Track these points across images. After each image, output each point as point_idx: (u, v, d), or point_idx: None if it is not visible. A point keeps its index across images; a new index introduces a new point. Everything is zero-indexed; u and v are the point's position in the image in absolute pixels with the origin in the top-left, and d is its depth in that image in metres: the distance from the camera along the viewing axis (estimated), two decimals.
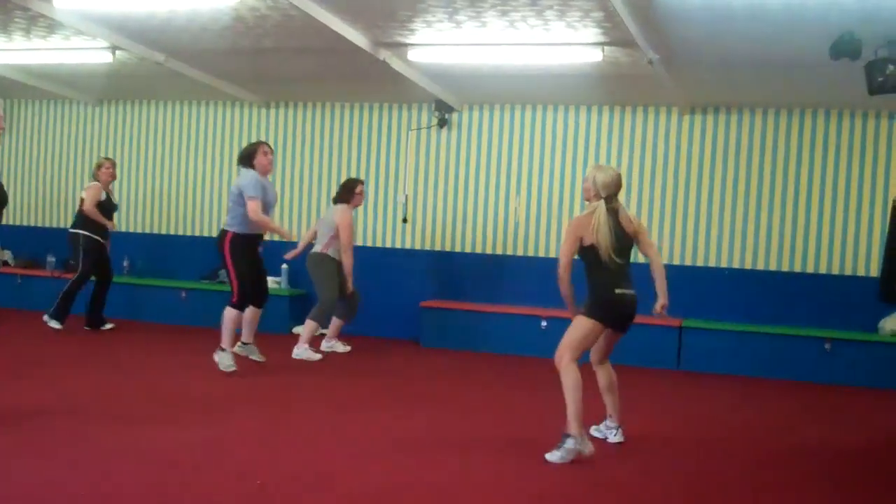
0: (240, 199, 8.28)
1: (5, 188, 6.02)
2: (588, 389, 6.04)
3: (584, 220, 6.12)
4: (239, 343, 8.66)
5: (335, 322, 10.04)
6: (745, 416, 7.84)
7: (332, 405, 7.28)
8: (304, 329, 9.67)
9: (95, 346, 9.65)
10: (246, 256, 8.34)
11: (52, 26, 9.25)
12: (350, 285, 9.67)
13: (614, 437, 6.40)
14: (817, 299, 10.18)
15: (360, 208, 11.11)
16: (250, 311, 8.58)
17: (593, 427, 6.52)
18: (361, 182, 10.03)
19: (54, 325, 10.18)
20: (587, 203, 6.30)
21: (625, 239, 6.15)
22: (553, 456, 5.83)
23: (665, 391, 8.80)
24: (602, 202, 6.11)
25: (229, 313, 8.33)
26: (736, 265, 10.44)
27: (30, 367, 8.10)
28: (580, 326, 6.06)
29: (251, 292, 8.43)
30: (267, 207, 8.40)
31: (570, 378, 5.94)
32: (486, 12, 7.81)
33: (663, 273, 6.37)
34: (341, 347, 10.02)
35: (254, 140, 11.44)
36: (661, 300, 6.35)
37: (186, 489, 4.79)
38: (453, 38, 8.63)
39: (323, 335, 10.12)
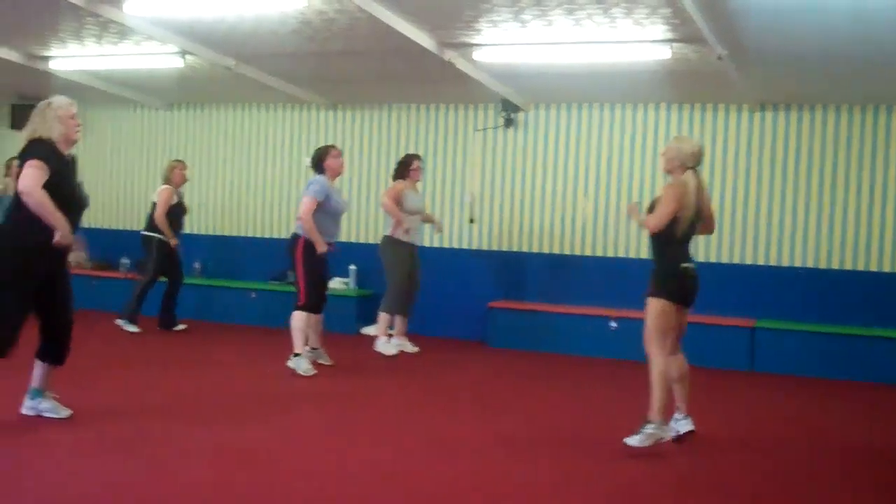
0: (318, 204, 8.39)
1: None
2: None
3: (682, 187, 6.04)
4: (308, 348, 8.71)
5: (399, 320, 10.04)
6: (821, 417, 7.70)
7: (400, 405, 7.30)
8: (379, 323, 9.74)
9: (168, 346, 9.78)
10: (317, 260, 8.40)
11: (123, 32, 9.40)
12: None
13: (684, 427, 6.25)
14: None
15: (427, 209, 11.12)
16: (312, 318, 8.64)
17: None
18: (418, 157, 10.04)
19: (131, 328, 10.37)
20: (669, 174, 6.23)
21: (701, 213, 6.13)
22: (633, 440, 5.87)
23: (738, 392, 8.67)
24: (692, 175, 6.03)
25: (298, 317, 8.39)
26: (810, 264, 10.24)
27: (106, 367, 8.23)
28: (653, 310, 6.04)
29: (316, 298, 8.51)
30: (333, 215, 8.44)
31: (658, 366, 5.98)
32: (552, 11, 7.77)
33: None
34: (410, 347, 10.02)
35: (321, 142, 11.55)
36: None
37: (257, 486, 4.83)
38: (519, 37, 8.60)
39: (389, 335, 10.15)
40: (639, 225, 6.38)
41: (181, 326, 10.78)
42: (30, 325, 5.92)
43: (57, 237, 5.68)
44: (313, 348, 8.74)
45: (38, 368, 6.10)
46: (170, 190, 10.62)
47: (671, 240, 6.05)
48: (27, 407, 6.13)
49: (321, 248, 8.29)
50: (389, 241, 9.79)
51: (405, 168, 9.92)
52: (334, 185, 8.61)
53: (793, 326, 9.82)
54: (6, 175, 11.20)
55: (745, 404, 8.12)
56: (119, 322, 10.41)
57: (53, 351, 6.06)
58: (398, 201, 9.72)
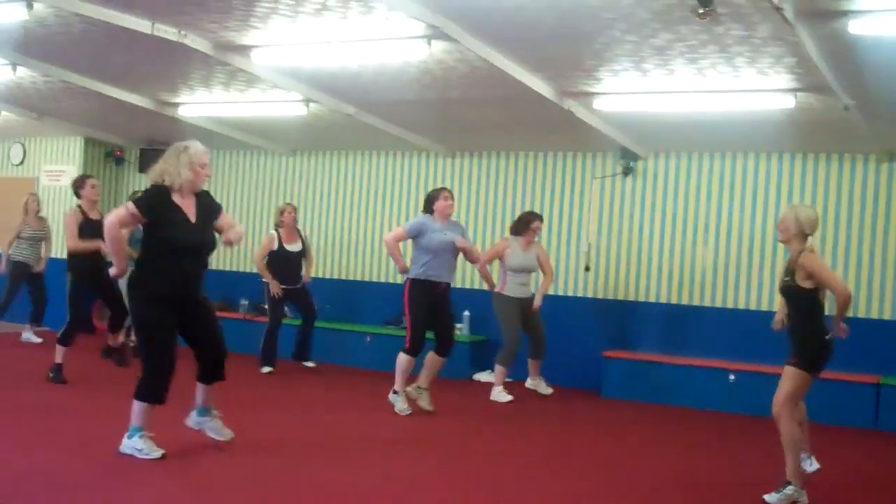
0: (414, 241, 8.55)
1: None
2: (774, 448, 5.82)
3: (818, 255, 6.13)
4: (415, 385, 8.71)
5: (531, 364, 10.16)
6: None
7: (511, 454, 7.24)
8: (496, 374, 9.88)
9: (282, 387, 9.91)
10: (425, 303, 8.46)
11: (250, 80, 9.69)
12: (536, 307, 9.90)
13: (810, 466, 6.33)
14: None
15: (544, 255, 11.10)
16: (431, 357, 8.66)
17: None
18: (539, 218, 10.10)
19: (264, 369, 10.64)
20: (786, 245, 6.22)
21: None
22: (772, 497, 5.88)
23: (862, 451, 8.36)
24: (811, 243, 6.04)
25: (401, 358, 8.50)
26: None
27: (220, 406, 8.37)
28: (796, 379, 6.04)
29: (435, 342, 8.54)
30: (429, 251, 8.45)
31: (788, 432, 5.95)
32: (674, 60, 7.73)
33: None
34: (544, 388, 10.05)
35: None
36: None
37: None
38: (640, 86, 8.57)
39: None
40: (828, 282, 6.23)
41: (310, 363, 10.98)
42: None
43: (113, 270, 6.17)
44: (419, 387, 8.70)
45: (200, 389, 6.40)
46: (271, 235, 10.84)
47: (816, 311, 6.05)
48: (193, 420, 6.45)
49: (403, 267, 8.67)
50: (497, 296, 9.95)
51: (524, 225, 9.99)
52: (445, 223, 8.62)
53: None
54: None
55: (869, 464, 7.83)
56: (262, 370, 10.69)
57: (211, 371, 6.32)
58: (498, 256, 9.96)
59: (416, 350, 8.48)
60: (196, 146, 6.16)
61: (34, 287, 12.02)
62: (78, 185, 9.33)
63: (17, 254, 11.98)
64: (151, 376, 6.02)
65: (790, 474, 5.90)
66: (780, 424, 5.97)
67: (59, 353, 8.98)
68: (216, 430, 6.40)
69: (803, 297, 6.03)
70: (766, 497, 5.88)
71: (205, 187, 6.28)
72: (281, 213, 10.98)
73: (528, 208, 11.49)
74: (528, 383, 10.15)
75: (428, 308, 8.49)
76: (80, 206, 9.26)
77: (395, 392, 8.51)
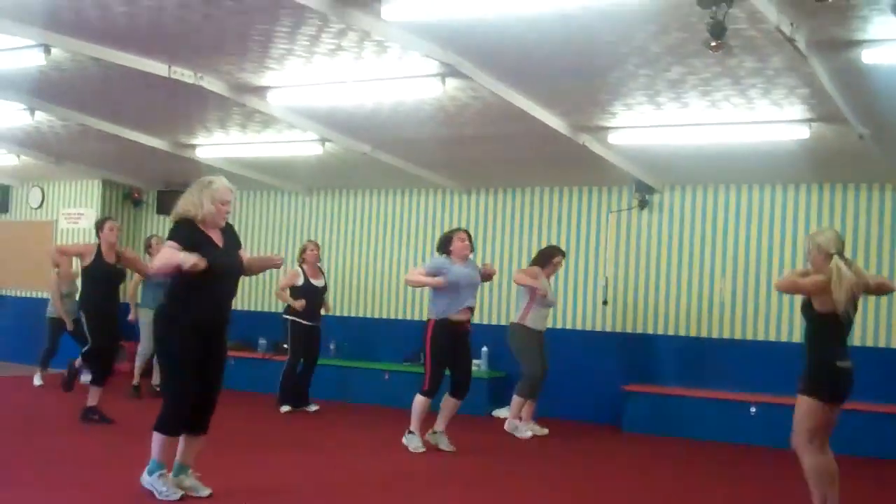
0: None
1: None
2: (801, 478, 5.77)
3: (825, 284, 5.82)
4: (430, 431, 8.68)
5: (527, 405, 9.97)
6: None
7: (534, 492, 7.20)
8: (512, 405, 9.78)
9: (299, 427, 9.90)
10: (448, 345, 8.45)
11: (266, 121, 9.77)
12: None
13: None
14: None
15: (561, 290, 11.12)
16: (447, 400, 8.64)
17: None
18: (562, 253, 10.13)
19: (283, 409, 10.63)
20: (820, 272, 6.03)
21: (856, 302, 5.94)
22: None
23: (889, 483, 8.28)
24: (838, 262, 5.83)
25: (420, 400, 8.46)
26: None
27: (234, 446, 8.36)
28: (802, 405, 5.86)
29: (451, 383, 8.54)
30: (454, 288, 8.44)
31: (808, 462, 5.82)
32: (688, 93, 7.76)
33: None
34: (539, 430, 9.93)
35: (455, 226, 11.69)
36: None
37: None
38: (654, 119, 8.60)
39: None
40: (794, 287, 6.17)
41: (313, 408, 10.92)
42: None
43: (189, 263, 5.85)
44: (435, 431, 8.67)
45: (181, 442, 6.23)
46: (294, 272, 10.87)
47: (827, 335, 5.88)
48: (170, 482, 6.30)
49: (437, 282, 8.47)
50: (519, 328, 9.89)
51: (546, 259, 10.01)
52: (463, 263, 8.59)
53: None
54: (148, 254, 11.69)
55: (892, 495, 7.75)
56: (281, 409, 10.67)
57: (197, 419, 6.17)
58: (531, 282, 9.82)
59: (434, 391, 8.48)
60: (220, 182, 6.19)
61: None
62: (98, 227, 9.38)
63: (52, 310, 11.99)
64: (174, 407, 6.00)
65: None
66: (800, 458, 5.86)
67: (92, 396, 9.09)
68: (193, 488, 6.20)
69: (813, 319, 5.94)
70: None
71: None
72: (303, 250, 10.99)
73: (544, 244, 11.49)
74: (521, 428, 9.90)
75: (449, 349, 8.49)
76: (98, 245, 9.29)
77: (410, 432, 8.47)
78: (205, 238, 6.09)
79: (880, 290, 6.32)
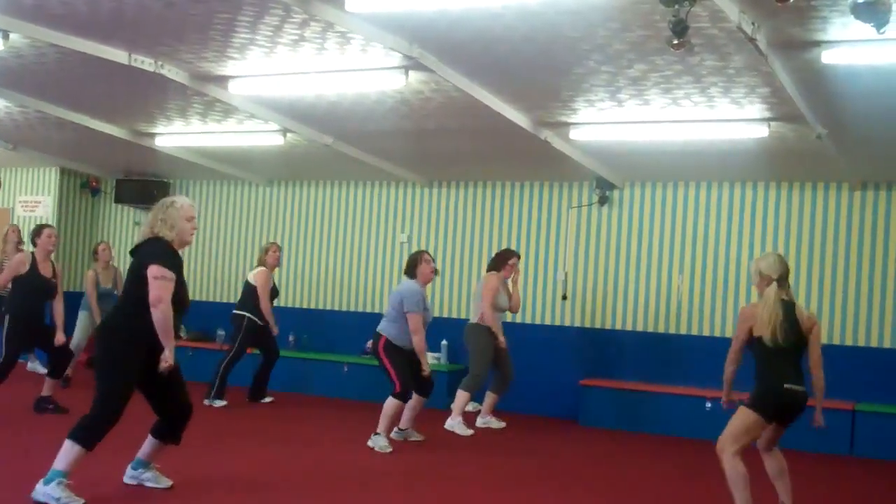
0: (400, 307, 8.46)
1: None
2: (757, 478, 5.83)
3: (752, 310, 6.07)
4: (396, 429, 8.73)
5: (489, 397, 10.05)
6: None
7: (489, 483, 7.23)
8: (456, 400, 9.75)
9: (258, 419, 9.86)
10: (403, 355, 8.47)
11: (227, 111, 9.70)
12: (501, 343, 9.70)
13: None
14: None
15: (520, 286, 11.14)
16: (415, 399, 8.65)
17: None
18: (517, 255, 10.15)
19: (218, 403, 10.41)
20: (760, 294, 6.19)
21: (798, 330, 5.99)
22: None
23: (838, 479, 8.40)
24: (773, 287, 5.96)
25: (391, 403, 8.41)
26: None
27: (196, 440, 8.32)
28: (742, 418, 5.98)
29: (417, 380, 8.54)
30: (426, 323, 8.53)
31: (732, 471, 5.91)
32: (649, 90, 7.80)
33: (822, 388, 6.14)
34: (496, 423, 9.97)
35: (416, 219, 11.73)
36: (818, 418, 6.18)
37: None
38: (615, 116, 8.64)
39: (478, 411, 10.12)
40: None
41: (268, 399, 10.87)
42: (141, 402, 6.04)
43: (164, 359, 5.82)
44: (401, 429, 8.72)
45: (150, 444, 6.22)
46: (266, 274, 10.77)
47: (767, 358, 5.97)
48: (129, 476, 6.24)
49: (427, 369, 8.48)
50: (476, 328, 9.87)
51: (502, 262, 10.01)
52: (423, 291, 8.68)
53: (894, 410, 9.51)
54: (94, 260, 11.51)
55: (847, 493, 7.85)
56: (206, 402, 10.40)
57: (172, 431, 6.18)
58: (495, 294, 9.84)
59: (407, 394, 8.45)
60: (182, 200, 6.14)
61: None
62: (35, 234, 9.19)
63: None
64: (101, 421, 5.79)
65: None
66: (722, 462, 5.95)
67: None
68: (153, 479, 6.23)
69: (749, 344, 6.08)
70: None
71: None
72: (266, 252, 10.93)
73: (505, 238, 11.56)
74: (479, 422, 9.95)
75: (408, 354, 8.52)
76: (32, 254, 9.12)
77: (377, 434, 8.42)
78: (180, 265, 6.02)
79: (810, 353, 6.14)
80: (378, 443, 8.36)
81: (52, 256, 9.30)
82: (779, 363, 5.95)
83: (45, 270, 9.06)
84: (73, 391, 10.63)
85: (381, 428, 8.41)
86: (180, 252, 6.09)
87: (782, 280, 6.04)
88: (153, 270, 5.81)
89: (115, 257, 12.29)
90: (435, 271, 8.80)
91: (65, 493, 5.67)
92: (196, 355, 12.22)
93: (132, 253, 6.10)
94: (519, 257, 10.20)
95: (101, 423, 5.78)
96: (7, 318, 9.08)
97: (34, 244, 9.17)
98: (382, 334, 8.52)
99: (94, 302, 11.06)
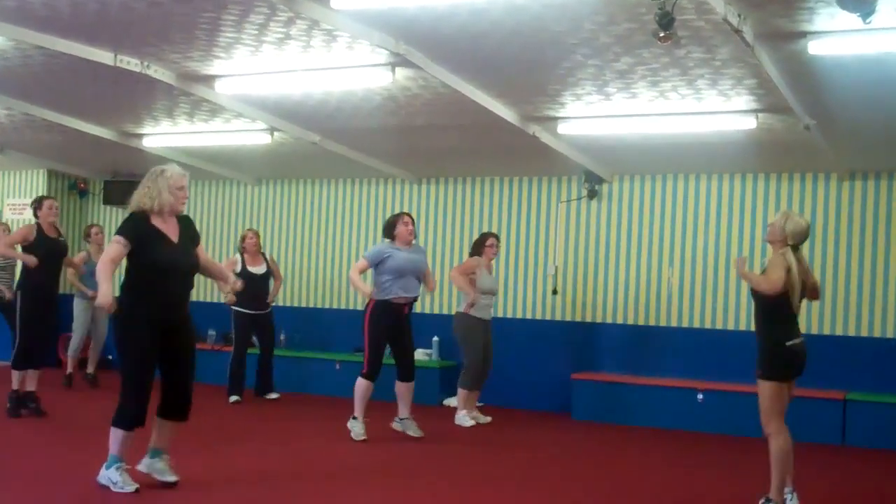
0: (376, 268, 8.56)
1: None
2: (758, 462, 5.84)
3: (785, 259, 6.10)
4: (396, 419, 8.75)
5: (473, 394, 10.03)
6: None
7: (484, 478, 7.23)
8: (458, 398, 9.79)
9: (253, 418, 9.84)
10: (386, 326, 8.49)
11: (214, 110, 9.68)
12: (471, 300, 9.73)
13: (790, 501, 6.23)
14: None
15: (511, 280, 11.18)
16: (399, 386, 8.68)
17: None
18: (493, 235, 10.16)
19: (232, 399, 10.56)
20: (768, 245, 6.34)
21: (804, 289, 6.21)
22: None
23: (830, 468, 8.42)
24: (789, 250, 6.10)
25: (361, 384, 8.50)
26: None
27: (192, 438, 8.30)
28: (765, 393, 6.10)
29: (397, 364, 8.63)
30: (397, 273, 8.50)
31: (776, 445, 6.04)
32: (636, 83, 7.80)
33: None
34: (482, 418, 9.95)
35: None
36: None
37: None
38: (603, 110, 8.64)
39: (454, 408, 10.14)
40: (748, 282, 6.32)
41: (274, 395, 10.94)
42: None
43: (99, 297, 5.99)
44: (401, 418, 8.74)
45: (159, 427, 6.27)
46: (235, 256, 10.94)
47: (780, 316, 6.10)
48: (144, 464, 6.29)
49: (365, 293, 8.64)
50: (463, 317, 9.86)
51: (480, 245, 10.01)
52: (408, 248, 8.66)
53: (886, 399, 9.54)
54: (87, 242, 11.65)
55: (837, 480, 7.87)
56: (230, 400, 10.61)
57: (175, 407, 6.22)
58: (470, 272, 9.83)
59: (374, 374, 8.50)
60: (173, 168, 6.25)
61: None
62: (36, 205, 9.15)
63: None
64: (133, 401, 5.99)
65: (773, 490, 5.98)
66: (770, 440, 6.08)
67: (15, 379, 8.87)
68: (160, 471, 6.25)
69: (761, 301, 6.18)
70: None
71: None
72: (242, 239, 11.10)
73: (495, 233, 11.52)
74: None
75: (388, 331, 8.53)
76: (38, 224, 9.09)
77: (353, 418, 8.49)
78: (154, 232, 6.08)
79: (812, 293, 6.42)
80: (354, 428, 8.43)
81: (56, 225, 9.23)
82: (785, 323, 6.13)
83: (51, 233, 9.06)
84: (72, 391, 10.63)
85: (356, 411, 8.46)
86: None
87: (797, 247, 6.19)
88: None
89: None
90: (413, 234, 8.79)
91: (122, 477, 5.99)
92: None
93: None
94: (497, 237, 10.18)
95: (129, 405, 5.99)
96: (18, 295, 9.03)
97: (36, 216, 9.12)
98: (371, 298, 8.60)
99: (76, 280, 11.17)
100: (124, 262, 6.11)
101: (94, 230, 11.55)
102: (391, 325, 8.53)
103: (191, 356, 6.28)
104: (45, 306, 9.00)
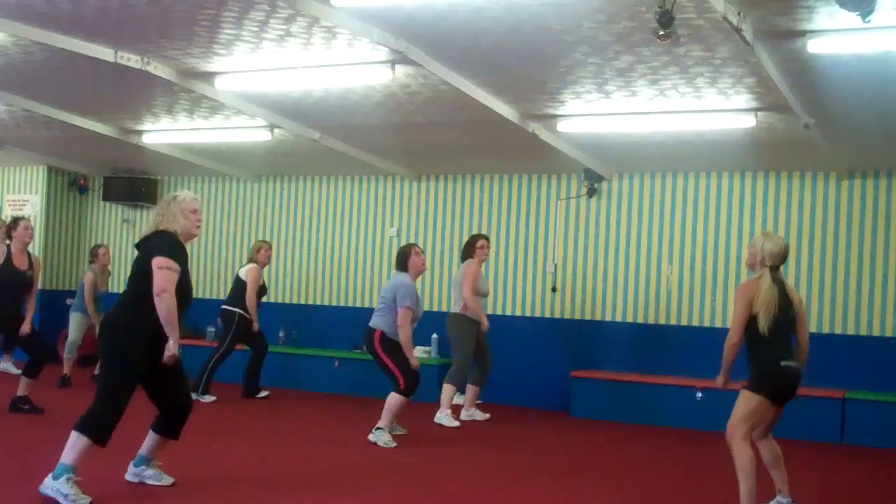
0: (392, 301, 8.43)
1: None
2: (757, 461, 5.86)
3: (753, 286, 6.04)
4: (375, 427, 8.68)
5: (471, 389, 10.05)
6: None
7: (484, 477, 7.24)
8: (443, 394, 9.75)
9: (250, 415, 9.86)
10: (397, 348, 8.44)
11: (214, 107, 9.68)
12: (485, 327, 9.71)
13: None
14: None
15: (510, 277, 11.20)
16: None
17: None
18: (484, 237, 10.16)
19: (207, 399, 10.38)
20: (751, 270, 6.24)
21: (789, 311, 6.04)
22: None
23: (829, 466, 8.43)
24: (767, 271, 6.00)
25: (395, 399, 8.34)
26: None
27: (192, 436, 8.30)
28: (746, 402, 5.96)
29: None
30: (416, 317, 8.51)
31: (741, 457, 5.90)
32: (636, 82, 7.81)
33: (803, 361, 6.19)
34: (480, 415, 9.97)
35: (404, 212, 11.72)
36: None
37: None
38: (603, 108, 8.65)
39: (460, 405, 10.11)
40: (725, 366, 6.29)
41: (264, 393, 10.87)
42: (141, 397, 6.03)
43: (168, 349, 5.84)
44: (378, 428, 8.65)
45: (151, 440, 6.21)
46: (257, 269, 10.76)
47: (759, 337, 5.97)
48: (131, 473, 6.23)
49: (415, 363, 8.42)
50: (458, 318, 9.85)
51: (472, 248, 10.00)
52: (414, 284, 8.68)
53: (884, 397, 9.55)
54: (92, 262, 11.36)
55: (836, 479, 7.89)
56: (194, 396, 10.39)
57: (172, 426, 6.17)
58: (474, 286, 9.79)
59: (411, 390, 8.38)
60: (184, 193, 6.15)
61: None
62: (11, 227, 8.98)
63: None
64: (108, 413, 5.77)
65: (743, 501, 5.84)
66: (731, 448, 5.95)
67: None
68: (156, 476, 6.20)
69: (747, 321, 6.07)
70: None
71: None
72: (258, 250, 10.94)
73: (494, 231, 11.56)
74: (464, 415, 9.91)
75: (400, 349, 8.50)
76: (8, 247, 8.91)
77: (379, 428, 8.35)
78: (185, 255, 6.06)
79: (797, 332, 6.26)
80: (381, 438, 8.31)
81: (30, 248, 9.12)
82: (774, 342, 5.98)
83: (20, 263, 8.86)
84: (68, 391, 10.64)
85: (383, 423, 8.37)
86: (187, 245, 6.12)
87: (776, 268, 6.07)
88: (158, 261, 5.82)
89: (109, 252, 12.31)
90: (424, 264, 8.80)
91: (73, 489, 5.58)
92: (185, 352, 12.15)
93: (137, 246, 6.10)
94: (487, 239, 10.19)
95: (106, 416, 5.77)
96: None
97: (9, 237, 8.94)
98: (375, 329, 8.49)
99: (91, 307, 10.96)
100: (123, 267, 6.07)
101: (101, 251, 11.33)
102: (398, 345, 8.50)
103: (184, 375, 6.24)
104: (4, 328, 8.99)
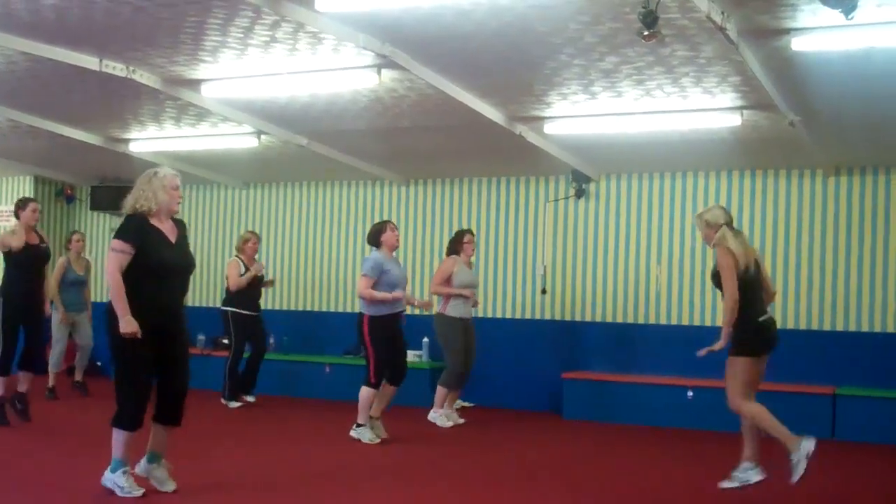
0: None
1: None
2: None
3: (724, 247, 6.36)
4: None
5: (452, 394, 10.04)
6: None
7: (476, 479, 7.24)
8: (437, 395, 9.80)
9: (242, 420, 9.84)
10: (386, 336, 8.48)
11: (201, 114, 9.67)
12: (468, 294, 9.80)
13: (754, 476, 6.45)
14: None
15: (500, 279, 11.20)
16: (386, 388, 8.66)
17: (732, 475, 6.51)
18: (469, 232, 10.18)
19: (233, 405, 10.53)
20: (713, 247, 6.59)
21: (757, 260, 6.48)
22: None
23: (820, 462, 8.43)
24: (724, 227, 6.40)
25: (367, 392, 8.48)
26: (890, 329, 10.02)
27: (186, 441, 8.29)
28: (735, 369, 6.26)
29: (389, 371, 8.56)
30: (391, 287, 8.51)
31: (755, 415, 6.25)
32: (622, 82, 7.83)
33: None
34: (456, 419, 9.93)
35: (394, 217, 11.70)
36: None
37: None
38: (589, 109, 8.67)
39: (462, 407, 10.11)
40: (727, 317, 6.42)
41: (250, 398, 10.85)
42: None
43: (121, 326, 5.88)
44: (371, 417, 8.70)
45: (155, 432, 6.23)
46: (235, 261, 10.81)
47: (744, 298, 6.32)
48: (142, 468, 6.25)
49: (392, 298, 8.47)
50: (442, 318, 9.88)
51: (458, 243, 10.03)
52: (391, 257, 8.71)
53: (875, 393, 9.59)
54: (67, 250, 11.38)
55: (826, 476, 7.90)
56: (223, 401, 10.60)
57: (170, 412, 6.18)
58: (447, 280, 9.82)
59: (380, 383, 8.50)
60: (166, 170, 6.24)
61: None
62: (19, 207, 9.00)
63: None
64: (130, 403, 5.95)
65: (788, 444, 6.16)
66: (742, 412, 6.16)
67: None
68: (160, 480, 6.21)
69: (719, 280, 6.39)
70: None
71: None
72: (245, 241, 10.96)
73: (483, 234, 11.57)
74: (436, 414, 9.90)
75: (389, 341, 8.53)
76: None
77: (359, 425, 8.48)
78: (156, 232, 6.08)
79: (765, 293, 6.63)
80: (364, 435, 8.38)
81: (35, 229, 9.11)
82: (750, 297, 6.31)
83: (31, 240, 8.92)
84: (62, 401, 10.61)
85: (361, 419, 8.45)
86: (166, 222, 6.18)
87: (730, 224, 6.44)
88: (111, 244, 6.02)
89: (93, 260, 12.28)
90: (398, 241, 8.87)
91: (128, 482, 5.97)
92: None
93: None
94: (472, 234, 10.20)
95: (127, 405, 5.96)
96: (2, 301, 8.90)
97: (17, 217, 9.00)
98: (365, 313, 8.54)
99: (55, 289, 10.87)
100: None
101: (74, 237, 11.37)
102: (391, 336, 8.54)
103: (183, 364, 6.24)
104: (28, 313, 8.92)
